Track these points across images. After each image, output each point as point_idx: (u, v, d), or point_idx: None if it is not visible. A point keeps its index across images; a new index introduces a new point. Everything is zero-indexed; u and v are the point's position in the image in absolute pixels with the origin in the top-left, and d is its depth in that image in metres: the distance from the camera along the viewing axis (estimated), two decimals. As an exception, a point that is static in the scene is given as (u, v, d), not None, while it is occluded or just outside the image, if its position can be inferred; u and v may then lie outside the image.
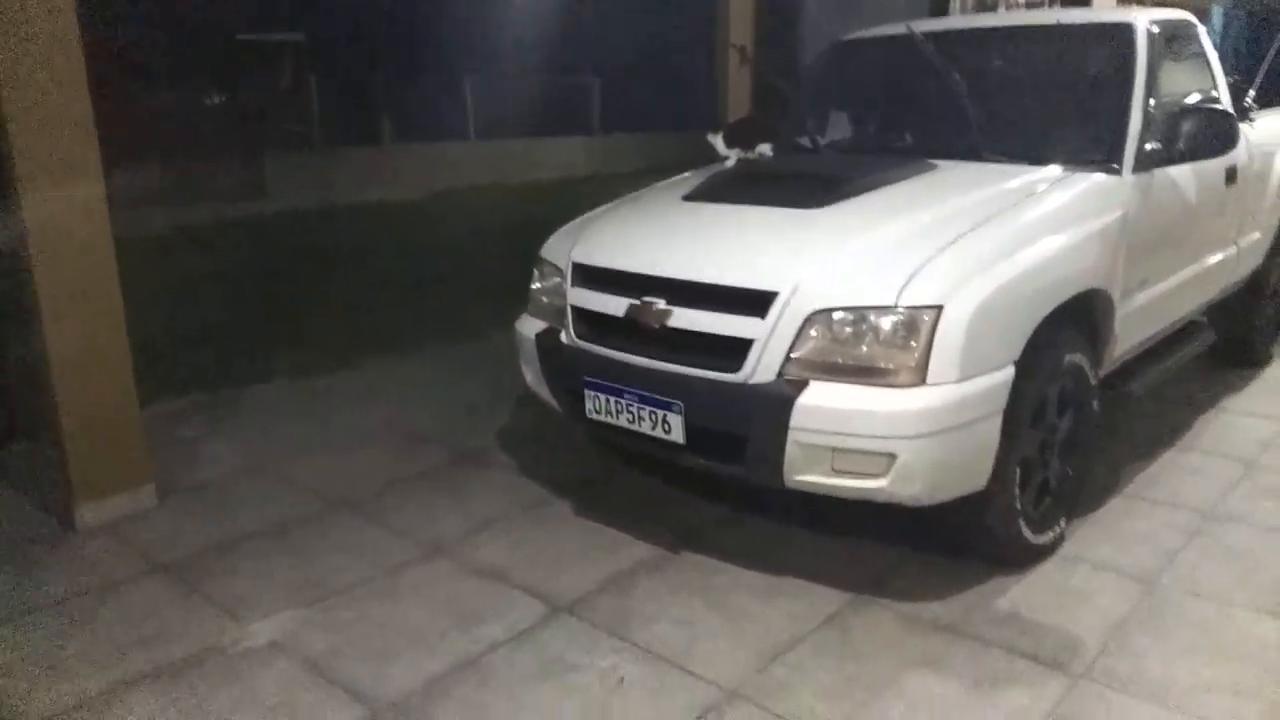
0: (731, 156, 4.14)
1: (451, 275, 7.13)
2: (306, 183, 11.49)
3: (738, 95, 5.66)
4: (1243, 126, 4.04)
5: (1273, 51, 4.91)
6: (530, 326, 3.39)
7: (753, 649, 2.59)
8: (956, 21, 4.74)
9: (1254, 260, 4.45)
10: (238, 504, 3.52)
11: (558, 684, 2.47)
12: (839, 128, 4.18)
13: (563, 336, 3.22)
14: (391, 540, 3.25)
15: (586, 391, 3.04)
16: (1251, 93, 4.56)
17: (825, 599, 2.82)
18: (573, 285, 3.18)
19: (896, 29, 3.76)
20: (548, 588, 2.92)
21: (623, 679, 2.48)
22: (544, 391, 3.37)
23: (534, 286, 3.47)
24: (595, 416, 3.05)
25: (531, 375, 3.43)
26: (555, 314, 3.30)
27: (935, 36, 3.70)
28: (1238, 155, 3.89)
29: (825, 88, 4.42)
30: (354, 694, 2.45)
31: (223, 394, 4.71)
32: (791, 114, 4.30)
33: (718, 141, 4.25)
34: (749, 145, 4.14)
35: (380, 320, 6.01)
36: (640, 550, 3.13)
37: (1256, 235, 4.38)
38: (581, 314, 3.14)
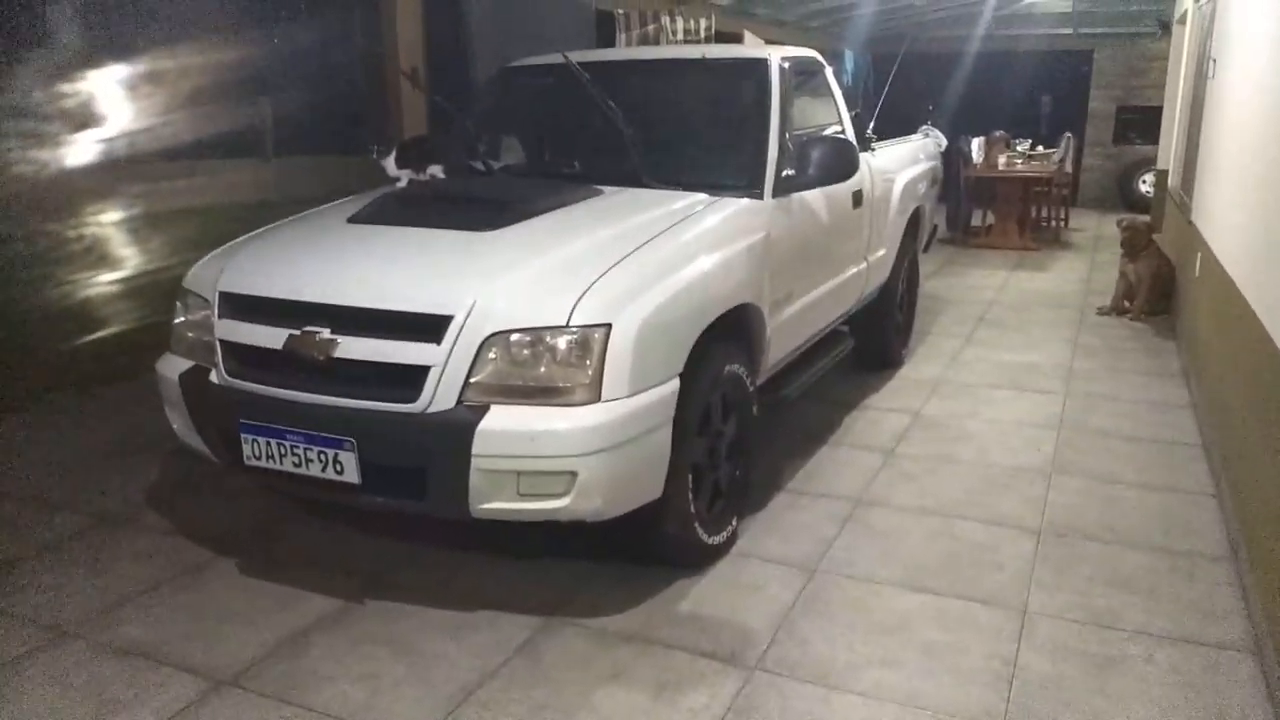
0: (403, 178, 4.00)
1: (73, 316, 6.27)
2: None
3: (411, 118, 5.52)
4: (865, 155, 4.59)
5: (886, 88, 5.67)
6: (173, 366, 3.03)
7: (441, 693, 2.46)
8: (613, 53, 4.95)
9: (882, 274, 5.04)
10: None
11: (217, 768, 2.19)
12: (512, 151, 4.18)
13: (212, 375, 2.90)
14: (11, 627, 2.74)
15: (244, 435, 2.75)
16: (871, 124, 5.20)
17: (516, 627, 2.76)
18: (221, 317, 2.88)
19: (559, 58, 3.82)
20: (207, 660, 2.59)
21: (295, 749, 2.25)
22: (194, 439, 3.02)
23: (176, 321, 3.11)
24: (255, 463, 2.77)
25: (179, 421, 3.06)
26: (203, 350, 2.97)
27: (593, 67, 3.81)
28: (863, 180, 4.40)
29: (497, 111, 4.41)
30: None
31: None
32: (463, 136, 4.24)
33: (388, 163, 4.09)
34: (420, 167, 4.02)
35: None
36: (318, 604, 2.89)
37: (882, 252, 4.97)
38: (233, 349, 2.85)
